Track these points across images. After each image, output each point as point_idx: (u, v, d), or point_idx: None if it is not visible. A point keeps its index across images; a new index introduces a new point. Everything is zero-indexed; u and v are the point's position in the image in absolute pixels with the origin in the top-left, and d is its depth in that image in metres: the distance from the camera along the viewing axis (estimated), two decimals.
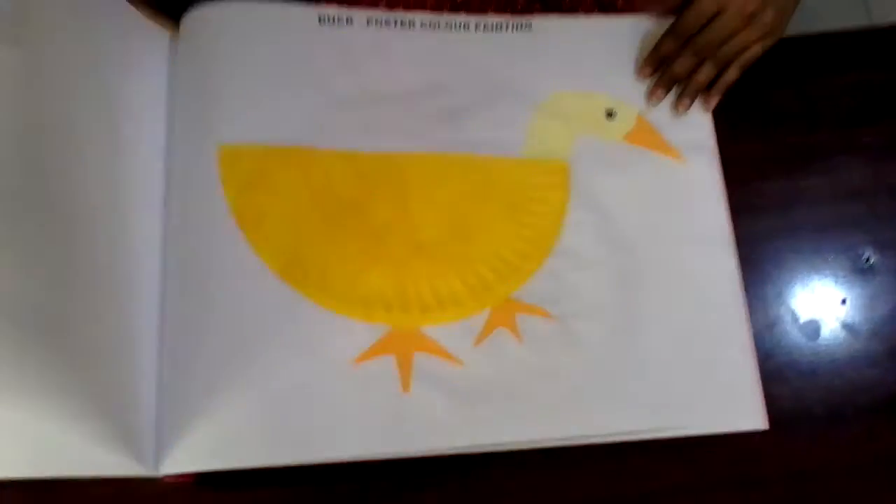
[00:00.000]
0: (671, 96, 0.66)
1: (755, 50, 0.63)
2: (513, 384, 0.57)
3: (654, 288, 0.60)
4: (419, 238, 0.60)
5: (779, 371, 0.61)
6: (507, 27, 0.66)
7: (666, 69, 0.65)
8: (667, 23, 0.66)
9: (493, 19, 0.66)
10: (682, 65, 0.64)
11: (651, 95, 0.65)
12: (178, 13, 0.63)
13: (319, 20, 0.64)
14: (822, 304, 0.63)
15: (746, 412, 0.58)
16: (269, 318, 0.57)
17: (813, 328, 0.63)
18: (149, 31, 0.62)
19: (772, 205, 0.65)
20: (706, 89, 0.65)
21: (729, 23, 0.62)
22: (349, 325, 0.57)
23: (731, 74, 0.65)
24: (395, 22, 0.65)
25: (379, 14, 0.65)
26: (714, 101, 0.65)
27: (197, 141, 0.60)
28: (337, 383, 0.56)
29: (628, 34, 0.67)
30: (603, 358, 0.58)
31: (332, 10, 0.65)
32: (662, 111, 0.65)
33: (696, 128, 0.65)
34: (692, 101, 0.65)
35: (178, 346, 0.56)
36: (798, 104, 0.69)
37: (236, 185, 0.59)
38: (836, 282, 0.64)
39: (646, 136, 0.64)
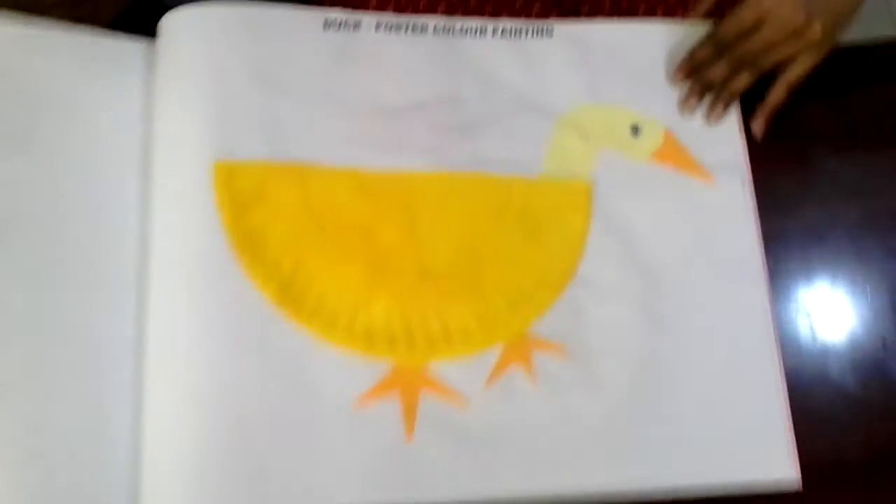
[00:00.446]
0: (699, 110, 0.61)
1: (802, 65, 0.59)
2: (526, 430, 0.53)
3: (680, 324, 0.56)
4: (427, 265, 0.55)
5: (813, 417, 0.56)
6: (526, 32, 0.61)
7: (700, 76, 0.60)
8: (700, 29, 0.61)
9: (511, 23, 0.61)
10: (717, 71, 0.60)
11: (683, 103, 0.61)
12: (154, 18, 0.58)
13: (325, 24, 0.59)
14: (861, 344, 0.59)
15: (776, 461, 0.54)
16: (262, 351, 0.52)
17: (850, 370, 0.58)
18: (117, 41, 0.57)
19: (807, 232, 0.61)
20: (752, 112, 0.61)
21: (770, 36, 0.57)
22: (349, 361, 0.52)
23: (778, 95, 0.60)
24: (406, 27, 0.60)
25: (389, 18, 0.60)
26: (761, 126, 0.61)
27: (187, 158, 0.55)
28: (336, 429, 0.51)
29: (657, 41, 0.62)
30: (625, 402, 0.54)
31: (338, 14, 0.60)
32: (692, 127, 0.61)
33: (727, 146, 0.61)
34: (725, 109, 0.61)
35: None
36: (834, 121, 0.64)
37: (232, 205, 0.54)
38: (876, 320, 0.59)
39: (674, 154, 0.60)
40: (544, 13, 0.67)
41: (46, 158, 0.54)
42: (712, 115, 0.60)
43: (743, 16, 0.58)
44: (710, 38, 0.60)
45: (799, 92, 0.61)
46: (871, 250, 0.61)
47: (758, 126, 0.61)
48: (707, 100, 0.61)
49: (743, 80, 0.60)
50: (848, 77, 0.65)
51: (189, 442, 0.50)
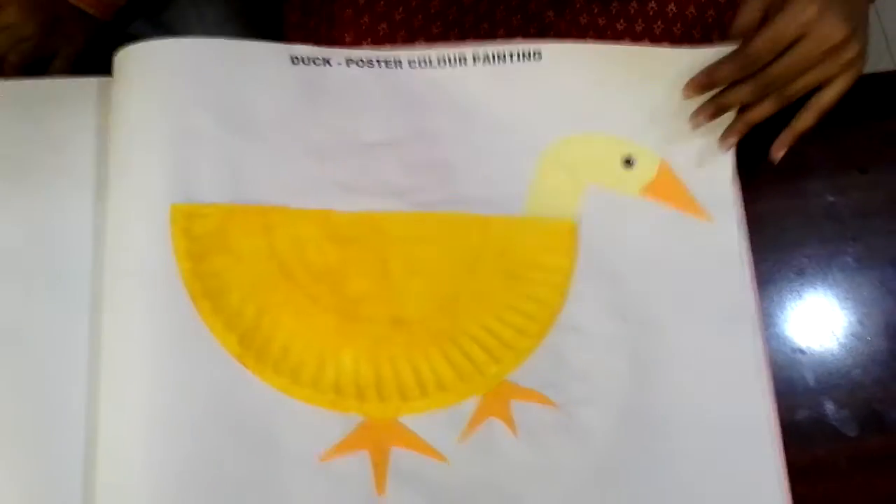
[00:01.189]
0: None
1: (836, 88, 0.54)
2: (505, 485, 0.50)
3: (670, 371, 0.53)
4: (400, 311, 0.52)
5: (810, 463, 0.54)
6: (511, 57, 0.57)
7: (718, 93, 0.55)
8: (706, 54, 0.55)
9: (494, 48, 0.57)
10: (742, 95, 0.54)
11: (693, 120, 0.55)
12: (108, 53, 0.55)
13: (292, 60, 0.56)
14: (860, 389, 0.56)
15: None
16: (221, 405, 0.49)
17: (851, 420, 0.55)
18: (70, 81, 0.56)
19: (804, 274, 0.59)
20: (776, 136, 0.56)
21: (809, 53, 0.52)
22: (315, 415, 0.50)
23: (807, 120, 0.55)
24: (378, 61, 0.57)
25: (360, 53, 0.57)
26: (781, 153, 0.56)
27: (142, 199, 0.52)
28: (300, 483, 0.48)
29: (655, 65, 0.57)
30: (611, 455, 0.51)
31: (306, 49, 0.57)
32: (685, 159, 0.57)
33: (720, 181, 0.57)
34: (739, 138, 0.56)
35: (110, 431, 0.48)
36: (832, 155, 0.62)
37: (190, 250, 0.51)
38: (875, 363, 0.57)
39: (668, 188, 0.56)
40: (540, 10, 0.64)
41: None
42: (723, 143, 0.55)
43: (782, 29, 0.51)
44: (738, 55, 0.53)
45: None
46: (870, 291, 0.58)
47: (778, 152, 0.55)
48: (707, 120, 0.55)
49: (766, 109, 0.54)
50: (845, 110, 0.61)
51: (145, 501, 0.47)
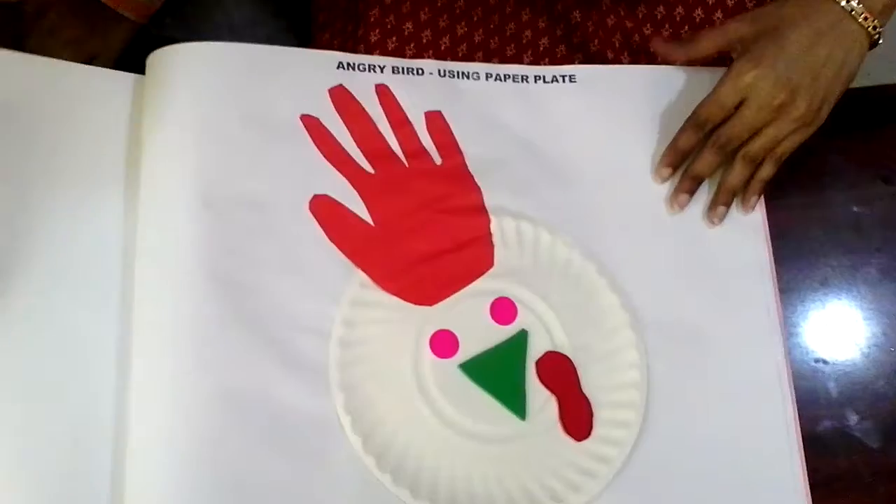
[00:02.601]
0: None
1: (789, 144, 0.56)
2: None
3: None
4: None
5: (833, 482, 0.54)
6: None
7: (688, 168, 0.57)
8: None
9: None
10: (705, 162, 0.56)
11: (673, 201, 0.57)
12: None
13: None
14: (884, 400, 0.56)
15: None
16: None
17: (874, 431, 0.55)
18: (105, 73, 0.56)
19: (828, 284, 0.58)
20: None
21: (754, 116, 0.54)
22: None
23: (766, 171, 0.57)
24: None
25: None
26: (753, 203, 0.57)
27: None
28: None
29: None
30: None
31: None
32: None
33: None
34: (727, 209, 0.57)
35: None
36: (855, 165, 0.61)
37: None
38: None
39: None
40: (552, 48, 0.65)
41: (32, 189, 0.52)
42: (714, 217, 0.56)
43: (722, 95, 0.55)
44: (690, 123, 0.56)
45: (815, 134, 0.57)
46: (893, 302, 0.58)
47: (749, 201, 0.57)
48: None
49: (738, 174, 0.56)
50: (868, 119, 0.62)
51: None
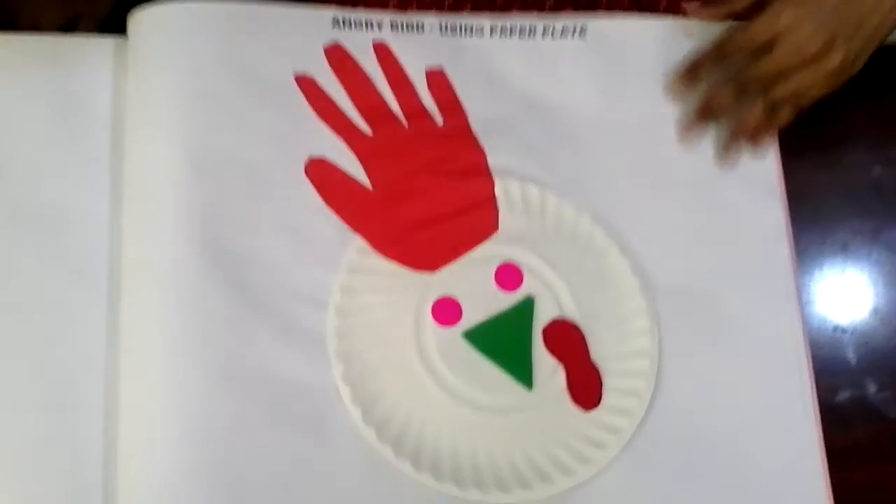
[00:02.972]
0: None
1: (815, 93, 0.53)
2: None
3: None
4: None
5: (852, 453, 0.52)
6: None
7: (703, 100, 0.55)
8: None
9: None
10: (721, 97, 0.54)
11: (685, 131, 0.55)
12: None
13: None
14: None
15: (810, 501, 0.50)
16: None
17: (894, 402, 0.54)
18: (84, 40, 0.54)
19: (848, 249, 0.57)
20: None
21: (785, 59, 0.51)
22: None
23: (785, 116, 0.54)
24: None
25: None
26: (765, 145, 0.55)
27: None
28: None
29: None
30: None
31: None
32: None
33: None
34: (740, 151, 0.54)
35: None
36: (876, 126, 0.59)
37: None
38: None
39: None
40: (558, 6, 0.62)
41: (12, 163, 0.51)
42: (725, 159, 0.54)
43: (754, 32, 0.52)
44: (712, 50, 0.54)
45: (837, 91, 0.55)
46: None
47: (759, 142, 0.55)
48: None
49: (755, 115, 0.53)
50: (892, 76, 0.59)
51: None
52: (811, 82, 0.52)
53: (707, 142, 0.55)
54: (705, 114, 0.54)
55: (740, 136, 0.54)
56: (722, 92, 0.54)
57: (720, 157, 0.55)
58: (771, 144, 0.55)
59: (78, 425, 0.47)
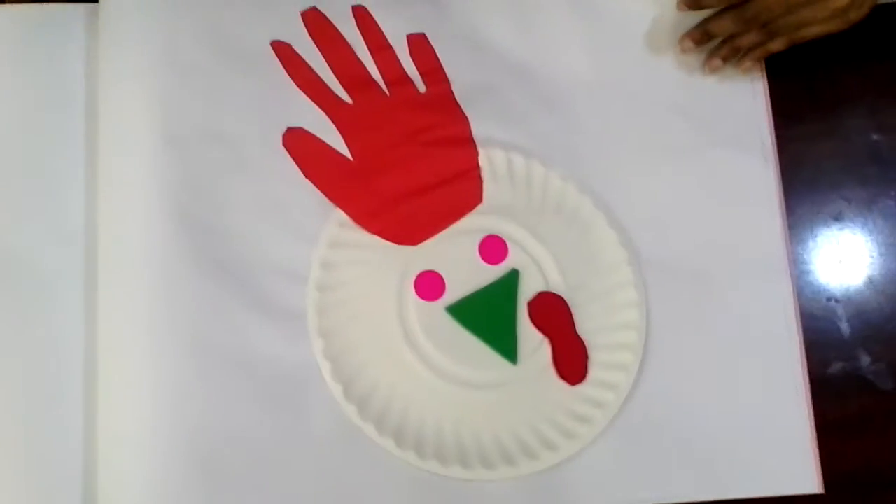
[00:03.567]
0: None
1: (817, 30, 0.51)
2: None
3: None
4: None
5: (844, 425, 0.52)
6: None
7: (703, 25, 0.53)
8: None
9: None
10: (722, 25, 0.53)
11: (681, 40, 0.54)
12: None
13: None
14: None
15: (799, 474, 0.50)
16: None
17: (887, 374, 0.53)
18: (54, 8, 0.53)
19: (842, 218, 0.55)
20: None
21: None
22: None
23: (777, 44, 0.53)
24: None
25: None
26: (747, 66, 0.54)
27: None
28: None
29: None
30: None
31: None
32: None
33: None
34: (724, 63, 0.54)
35: None
36: (873, 88, 0.57)
37: None
38: None
39: None
40: None
41: None
42: (707, 65, 0.54)
43: None
44: None
45: (830, 56, 0.54)
46: None
47: (744, 64, 0.54)
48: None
49: (749, 39, 0.53)
50: (891, 38, 0.58)
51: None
52: (815, 18, 0.50)
53: (698, 108, 0.54)
54: (703, 34, 0.53)
55: (730, 52, 0.53)
56: (723, 20, 0.52)
57: (705, 64, 0.54)
58: (756, 72, 0.54)
59: (57, 404, 0.47)
